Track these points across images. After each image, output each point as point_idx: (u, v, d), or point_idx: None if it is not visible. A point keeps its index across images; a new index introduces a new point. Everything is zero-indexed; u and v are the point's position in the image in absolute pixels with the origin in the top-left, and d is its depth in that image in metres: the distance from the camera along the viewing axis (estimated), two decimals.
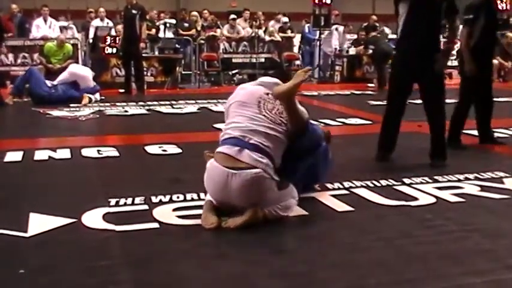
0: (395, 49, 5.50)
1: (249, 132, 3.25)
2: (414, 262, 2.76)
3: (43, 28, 12.38)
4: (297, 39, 15.22)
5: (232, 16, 13.89)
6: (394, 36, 13.45)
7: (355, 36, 13.78)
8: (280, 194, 3.31)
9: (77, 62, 11.06)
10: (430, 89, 4.81)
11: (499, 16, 14.17)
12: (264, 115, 3.32)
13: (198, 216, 3.29)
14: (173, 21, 13.98)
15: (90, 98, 8.94)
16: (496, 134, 6.13)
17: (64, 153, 5.16)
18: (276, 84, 3.51)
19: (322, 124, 6.63)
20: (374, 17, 14.01)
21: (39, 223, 3.23)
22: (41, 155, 5.11)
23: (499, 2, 13.72)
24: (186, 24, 13.58)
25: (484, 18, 5.36)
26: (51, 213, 3.36)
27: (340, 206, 3.60)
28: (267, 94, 3.46)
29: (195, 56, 12.98)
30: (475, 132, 6.12)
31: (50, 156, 5.06)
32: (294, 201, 3.43)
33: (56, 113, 7.86)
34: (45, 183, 4.28)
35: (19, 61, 11.73)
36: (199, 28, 13.56)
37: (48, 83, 8.89)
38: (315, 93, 10.87)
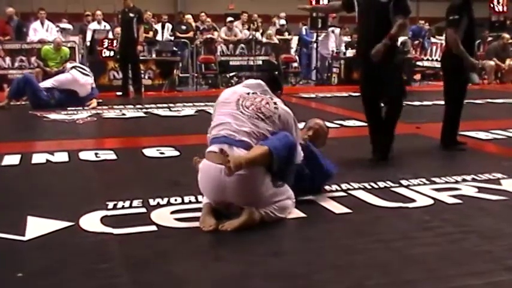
0: (356, 53, 5.61)
1: (236, 131, 3.29)
2: (412, 264, 2.77)
3: (40, 31, 12.38)
4: (294, 41, 15.24)
5: (230, 18, 13.91)
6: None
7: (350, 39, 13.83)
8: (275, 191, 3.32)
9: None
10: (388, 88, 4.95)
11: (496, 18, 14.28)
12: (241, 111, 3.36)
13: (196, 219, 3.30)
14: (169, 25, 13.98)
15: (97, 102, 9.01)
16: (493, 136, 6.15)
17: (62, 157, 5.16)
18: (259, 86, 3.59)
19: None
20: None
21: (37, 226, 3.22)
22: (38, 158, 5.10)
23: (495, 4, 13.79)
24: (184, 27, 13.59)
25: (467, 18, 5.32)
26: (49, 217, 3.36)
27: (338, 208, 3.60)
28: (248, 93, 3.50)
29: (192, 59, 12.99)
30: (471, 134, 6.16)
31: (47, 160, 5.06)
32: (291, 202, 3.44)
33: (53, 116, 7.85)
34: (43, 186, 4.28)
35: (16, 64, 11.72)
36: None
37: (45, 83, 8.86)
38: (313, 95, 10.89)
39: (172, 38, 13.38)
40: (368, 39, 4.91)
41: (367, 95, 5.04)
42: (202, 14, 14.30)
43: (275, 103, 3.48)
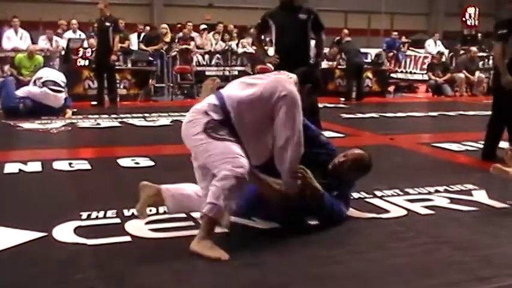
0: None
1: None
2: (387, 274, 2.78)
3: (13, 39, 12.24)
4: (270, 52, 15.25)
5: (203, 26, 13.99)
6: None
7: (327, 50, 13.92)
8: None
9: None
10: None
11: (468, 32, 14.54)
12: None
13: (171, 229, 3.29)
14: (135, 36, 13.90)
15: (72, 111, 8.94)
16: (465, 147, 6.24)
17: (35, 166, 5.09)
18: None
19: None
20: (346, 31, 14.15)
21: (8, 237, 3.17)
22: (11, 168, 5.03)
23: (467, 18, 14.05)
24: (154, 40, 13.43)
25: None
26: (21, 227, 3.31)
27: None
28: None
29: (167, 69, 12.94)
30: (443, 145, 6.24)
31: (20, 169, 4.99)
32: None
33: (27, 125, 7.76)
34: (15, 196, 4.21)
35: None
36: (167, 39, 13.47)
37: (19, 92, 8.76)
38: None
39: (144, 47, 13.33)
40: (290, 51, 5.67)
41: None
42: (179, 25, 14.28)
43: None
